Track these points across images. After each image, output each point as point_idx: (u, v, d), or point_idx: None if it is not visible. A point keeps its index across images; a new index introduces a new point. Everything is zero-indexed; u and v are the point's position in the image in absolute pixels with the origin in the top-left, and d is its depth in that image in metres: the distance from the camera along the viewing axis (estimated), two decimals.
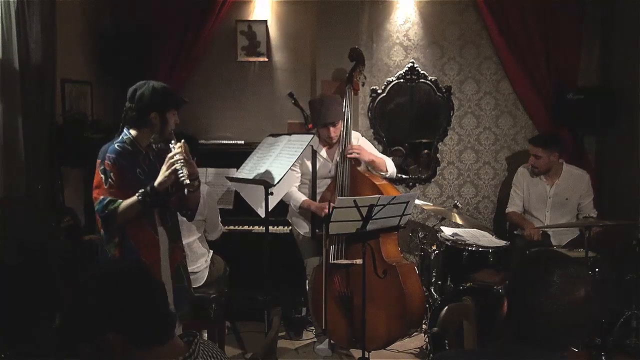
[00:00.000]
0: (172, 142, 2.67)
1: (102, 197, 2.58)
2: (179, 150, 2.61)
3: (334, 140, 3.87)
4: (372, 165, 3.90)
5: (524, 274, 1.49)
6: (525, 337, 1.46)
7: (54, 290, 3.21)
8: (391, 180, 4.04)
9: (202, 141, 4.72)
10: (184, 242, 3.50)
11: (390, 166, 3.96)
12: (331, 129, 3.79)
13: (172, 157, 2.59)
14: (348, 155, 3.75)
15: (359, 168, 3.87)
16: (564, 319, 1.41)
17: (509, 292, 1.52)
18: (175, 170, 2.57)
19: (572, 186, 4.30)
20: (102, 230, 2.66)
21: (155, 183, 2.59)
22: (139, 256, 2.64)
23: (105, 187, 2.58)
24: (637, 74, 4.32)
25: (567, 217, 4.30)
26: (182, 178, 2.55)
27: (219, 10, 4.72)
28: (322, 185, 3.93)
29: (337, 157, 3.88)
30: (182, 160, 2.58)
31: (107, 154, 2.61)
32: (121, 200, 2.58)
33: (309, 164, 3.89)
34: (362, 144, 3.99)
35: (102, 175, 2.60)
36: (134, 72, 4.34)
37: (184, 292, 2.88)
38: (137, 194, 2.58)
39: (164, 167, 2.60)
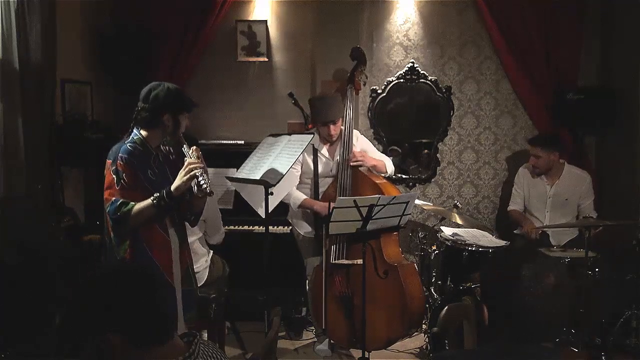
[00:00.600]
0: (185, 146, 2.66)
1: (114, 198, 2.53)
2: (197, 157, 2.60)
3: (334, 139, 3.89)
4: (374, 169, 3.92)
5: (495, 277, 1.57)
6: (523, 337, 1.48)
7: (53, 290, 3.21)
8: (391, 180, 4.06)
9: (202, 141, 4.71)
10: None
11: (389, 167, 4.03)
12: (331, 127, 3.81)
13: (191, 164, 2.56)
14: (352, 164, 3.77)
15: (360, 168, 3.87)
16: (543, 306, 1.47)
17: (486, 298, 1.57)
18: (195, 177, 2.54)
19: (572, 186, 4.30)
20: (112, 233, 2.61)
21: (172, 188, 2.55)
22: (152, 258, 2.60)
23: (117, 188, 2.54)
24: (637, 74, 4.32)
25: (567, 218, 4.30)
26: (205, 186, 2.53)
27: (219, 11, 4.72)
28: (323, 185, 3.93)
29: (338, 156, 3.89)
30: (202, 166, 2.57)
31: (120, 154, 2.56)
32: (134, 203, 2.53)
33: (310, 163, 3.90)
34: (362, 142, 4.01)
35: (114, 176, 2.55)
36: (134, 72, 4.37)
37: (191, 295, 2.86)
38: (152, 198, 2.54)
39: (182, 172, 2.56)
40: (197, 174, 2.54)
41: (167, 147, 2.78)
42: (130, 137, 2.65)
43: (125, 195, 2.54)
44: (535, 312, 1.47)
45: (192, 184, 2.56)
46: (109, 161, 2.59)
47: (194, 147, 2.66)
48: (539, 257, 1.58)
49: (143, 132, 2.66)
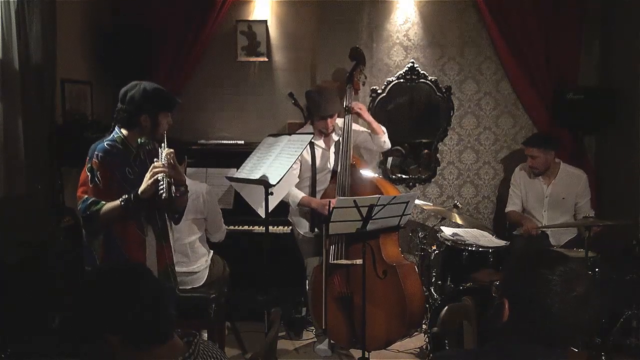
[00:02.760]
0: (162, 146, 2.62)
1: (85, 196, 2.55)
2: (165, 160, 2.55)
3: (330, 131, 3.96)
4: (370, 127, 4.05)
5: (525, 274, 1.49)
6: (526, 336, 1.46)
7: (53, 290, 3.21)
8: (391, 180, 4.06)
9: (202, 141, 4.74)
10: (184, 242, 3.51)
11: (386, 140, 4.10)
12: (329, 120, 3.89)
13: (155, 167, 2.53)
14: (352, 111, 3.95)
15: (361, 171, 3.88)
16: (567, 315, 1.42)
17: (509, 294, 1.51)
18: (157, 181, 2.50)
19: (568, 185, 4.30)
20: (83, 230, 2.65)
21: (139, 191, 2.53)
22: (124, 255, 2.60)
23: (91, 185, 2.55)
24: (637, 74, 4.32)
25: (565, 217, 4.30)
26: (161, 191, 2.48)
27: (219, 10, 4.72)
28: (323, 182, 3.95)
29: (333, 148, 3.97)
30: (166, 171, 2.51)
31: (96, 152, 2.57)
32: (104, 202, 2.54)
33: (308, 158, 3.91)
34: (358, 132, 4.11)
35: (88, 174, 2.57)
36: (134, 72, 4.33)
37: (169, 293, 2.83)
38: (120, 200, 2.53)
39: (147, 175, 2.54)
40: (159, 179, 2.51)
41: (153, 144, 2.76)
42: (111, 135, 2.66)
43: (98, 194, 2.55)
44: (556, 319, 1.41)
45: (160, 191, 2.50)
46: (87, 158, 2.60)
47: (168, 150, 2.60)
48: (573, 262, 1.47)
49: (124, 131, 2.66)
